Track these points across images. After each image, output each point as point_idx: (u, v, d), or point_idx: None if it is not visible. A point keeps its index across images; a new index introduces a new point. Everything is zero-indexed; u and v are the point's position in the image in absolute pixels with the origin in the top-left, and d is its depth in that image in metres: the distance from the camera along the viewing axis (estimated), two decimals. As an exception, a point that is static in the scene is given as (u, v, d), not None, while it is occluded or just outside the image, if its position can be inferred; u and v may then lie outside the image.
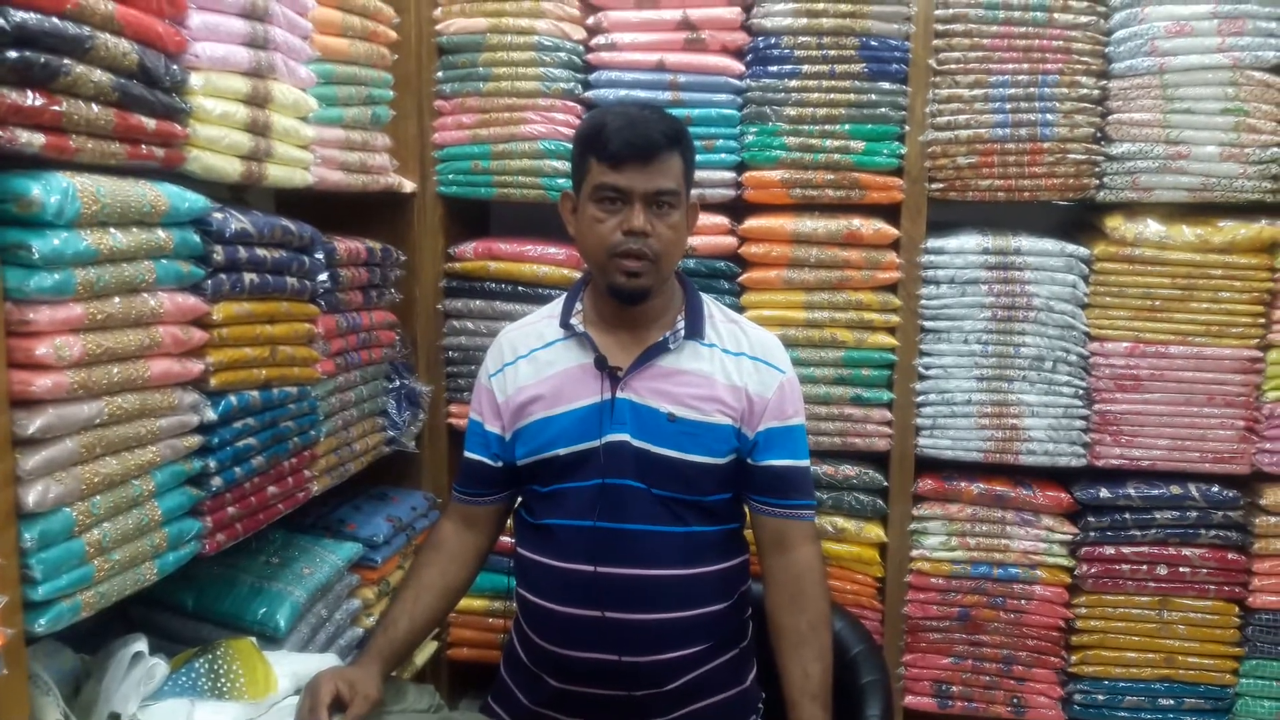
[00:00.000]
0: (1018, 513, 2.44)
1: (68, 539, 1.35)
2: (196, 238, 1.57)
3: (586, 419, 1.69)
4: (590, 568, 1.67)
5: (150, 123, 1.48)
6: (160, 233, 1.49)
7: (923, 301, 2.41)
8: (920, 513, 2.47)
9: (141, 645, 1.57)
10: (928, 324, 2.42)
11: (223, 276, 1.65)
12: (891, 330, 2.44)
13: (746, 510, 1.80)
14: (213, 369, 1.64)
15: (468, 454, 1.85)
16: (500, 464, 1.81)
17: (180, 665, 1.71)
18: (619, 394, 1.68)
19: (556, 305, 1.82)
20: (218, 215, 1.64)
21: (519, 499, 1.85)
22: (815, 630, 1.69)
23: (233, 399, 1.71)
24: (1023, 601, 2.44)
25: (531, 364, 1.77)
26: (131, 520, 1.48)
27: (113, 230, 1.40)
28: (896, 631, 2.52)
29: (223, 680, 1.67)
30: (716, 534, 1.74)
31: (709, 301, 1.79)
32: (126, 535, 1.47)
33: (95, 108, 1.36)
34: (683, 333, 1.71)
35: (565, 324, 1.75)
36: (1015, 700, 2.49)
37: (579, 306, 1.77)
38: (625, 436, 1.67)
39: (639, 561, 1.67)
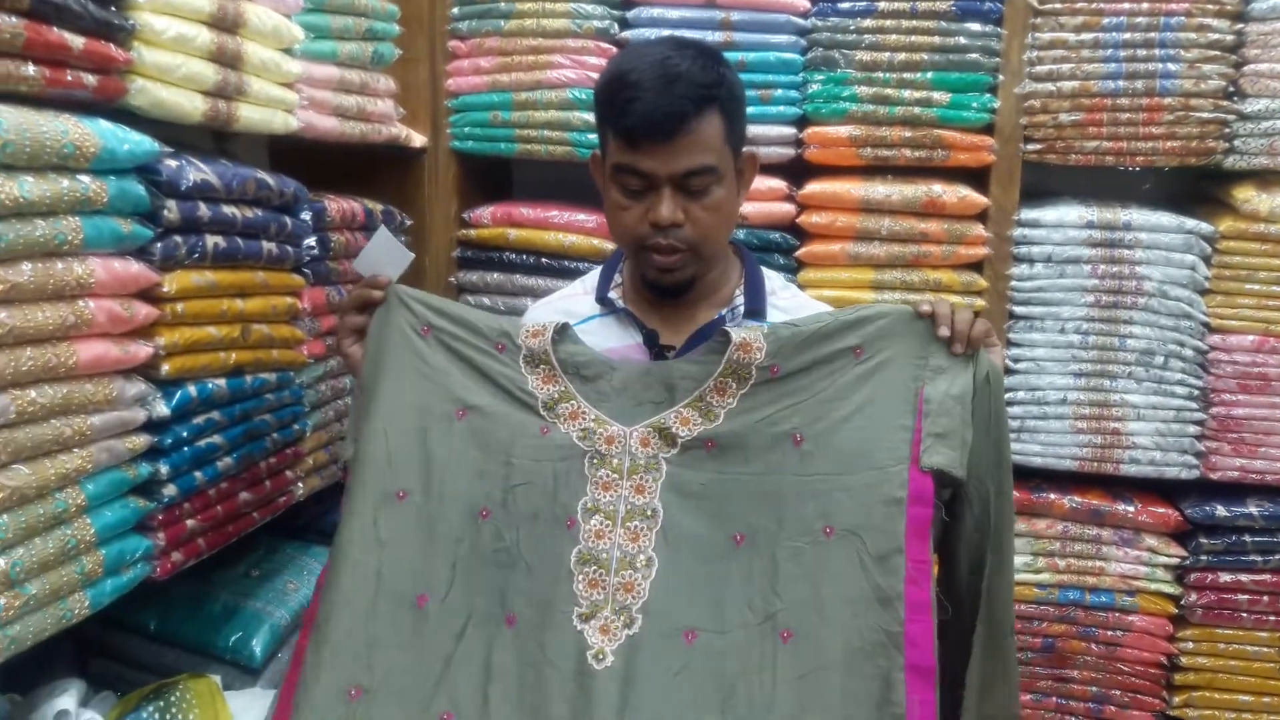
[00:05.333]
0: (1116, 531, 2.13)
1: (-38, 572, 1.07)
2: (140, 189, 1.28)
3: None
4: None
5: (77, 40, 1.18)
6: (87, 181, 1.19)
7: (1013, 283, 2.09)
8: (1002, 528, 2.15)
9: (69, 701, 1.28)
10: (1018, 309, 2.11)
11: (177, 239, 1.36)
12: (975, 316, 2.10)
13: None
14: (164, 353, 1.36)
15: None
16: None
17: (129, 710, 1.43)
18: None
19: (591, 279, 1.53)
20: (170, 162, 1.34)
21: None
22: None
23: (191, 389, 1.43)
24: (1118, 633, 2.14)
25: None
26: (53, 543, 1.21)
27: (21, 176, 1.10)
28: (970, 661, 2.20)
29: (174, 734, 1.38)
30: None
31: (769, 275, 1.50)
32: (46, 562, 1.20)
33: (-6, 14, 1.05)
34: (741, 310, 1.43)
35: (603, 299, 1.46)
36: (1105, 745, 2.18)
37: (618, 279, 1.48)
38: None
39: None
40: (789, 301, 1.47)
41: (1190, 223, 2.03)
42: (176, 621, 1.71)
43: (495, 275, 2.28)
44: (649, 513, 1.22)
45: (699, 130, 1.27)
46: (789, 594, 1.19)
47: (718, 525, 1.22)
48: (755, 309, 1.42)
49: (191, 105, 1.40)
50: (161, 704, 1.42)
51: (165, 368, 1.36)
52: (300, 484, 1.77)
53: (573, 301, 1.52)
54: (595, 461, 1.24)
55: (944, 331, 1.25)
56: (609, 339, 1.44)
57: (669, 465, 1.24)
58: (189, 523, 1.45)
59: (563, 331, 1.30)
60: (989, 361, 1.26)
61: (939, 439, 1.21)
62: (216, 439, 1.49)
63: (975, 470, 1.23)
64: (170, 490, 1.39)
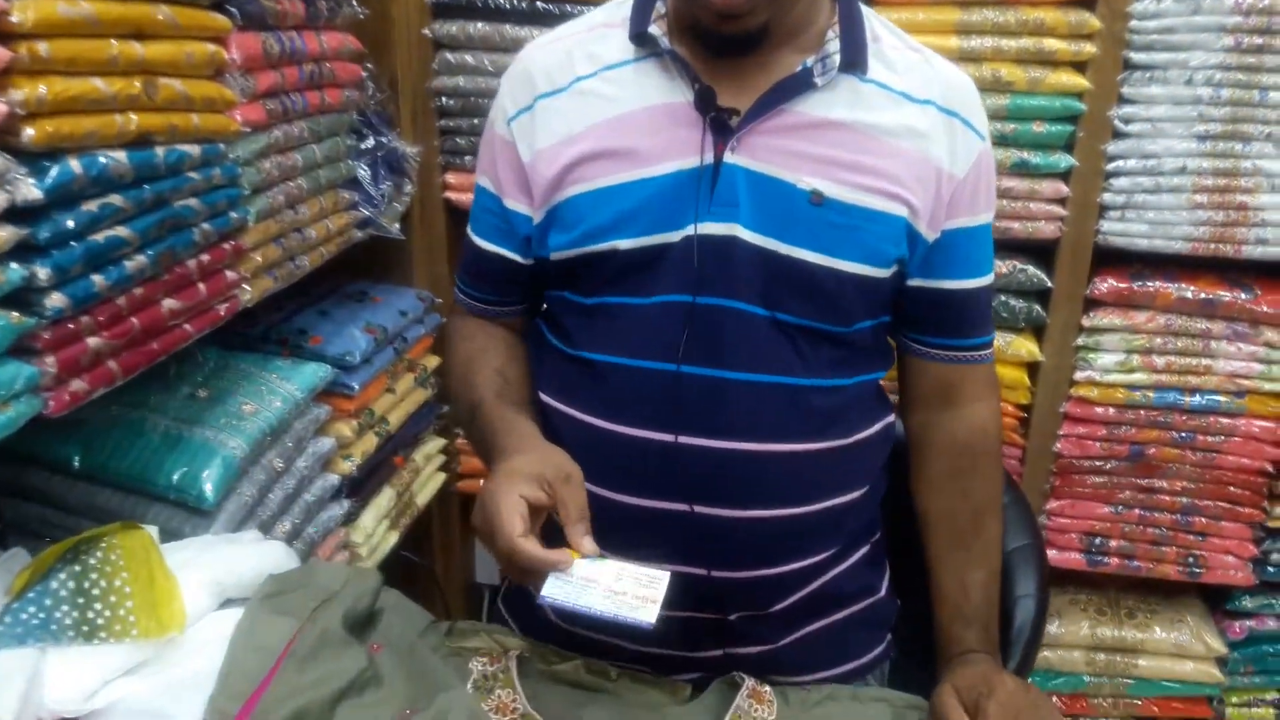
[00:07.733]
0: (1229, 324, 1.84)
1: None
2: None
3: (671, 194, 1.08)
4: (669, 437, 1.10)
5: None
6: None
7: (1133, 22, 1.69)
8: (1094, 323, 1.87)
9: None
10: (1137, 56, 1.72)
11: (22, -53, 0.94)
12: (1082, 66, 1.74)
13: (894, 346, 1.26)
14: (24, 112, 0.98)
15: (476, 239, 1.25)
16: (531, 260, 1.22)
17: (38, 576, 1.13)
18: (728, 157, 1.07)
19: (618, 6, 1.14)
20: None
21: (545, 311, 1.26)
22: (981, 520, 1.24)
23: (73, 163, 1.06)
24: (1219, 439, 1.89)
25: (578, 99, 1.13)
26: (-122, 377, 0.86)
27: None
28: (1041, 472, 1.99)
29: (95, 608, 1.10)
30: (859, 387, 1.18)
31: (870, 15, 1.13)
32: None
33: None
34: (836, 61, 1.07)
35: (639, 35, 1.10)
36: (1191, 559, 1.99)
37: (660, 8, 1.11)
38: (735, 227, 1.07)
39: (745, 430, 1.10)
40: (897, 55, 1.11)
41: (1365, -60, 1.61)
42: (105, 455, 1.41)
43: (479, 25, 1.87)
44: None
45: None
46: None
47: None
48: (853, 60, 1.07)
49: None
50: (78, 568, 1.12)
51: (29, 132, 0.99)
52: (247, 285, 1.43)
53: (594, 37, 1.14)
54: None
55: None
56: (647, 94, 1.09)
57: None
58: (91, 341, 1.12)
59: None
60: None
61: None
62: (120, 231, 1.13)
63: None
64: (56, 300, 1.05)
